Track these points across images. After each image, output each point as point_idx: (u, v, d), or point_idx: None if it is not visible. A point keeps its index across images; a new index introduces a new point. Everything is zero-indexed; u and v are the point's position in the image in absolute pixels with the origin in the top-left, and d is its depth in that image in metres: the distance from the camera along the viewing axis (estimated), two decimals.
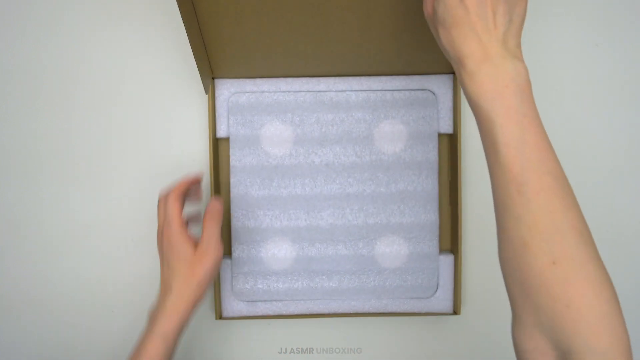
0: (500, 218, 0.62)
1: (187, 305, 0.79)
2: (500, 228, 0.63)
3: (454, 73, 0.93)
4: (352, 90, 0.93)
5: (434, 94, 0.93)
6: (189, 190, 0.85)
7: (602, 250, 0.65)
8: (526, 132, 0.60)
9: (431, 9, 0.67)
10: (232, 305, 0.95)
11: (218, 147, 0.95)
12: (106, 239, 0.97)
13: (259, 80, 0.93)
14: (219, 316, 0.94)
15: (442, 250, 0.96)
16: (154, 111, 0.96)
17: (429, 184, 0.93)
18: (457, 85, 0.92)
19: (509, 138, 0.59)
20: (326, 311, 0.95)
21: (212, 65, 0.92)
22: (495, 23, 0.63)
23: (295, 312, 0.95)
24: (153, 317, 0.80)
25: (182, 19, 0.82)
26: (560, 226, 0.59)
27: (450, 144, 0.95)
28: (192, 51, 0.84)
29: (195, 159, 0.96)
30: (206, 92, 0.90)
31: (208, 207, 0.82)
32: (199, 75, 0.95)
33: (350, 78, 0.94)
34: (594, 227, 0.92)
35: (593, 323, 0.56)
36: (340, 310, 0.95)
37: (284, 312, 0.95)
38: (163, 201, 0.82)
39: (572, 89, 0.97)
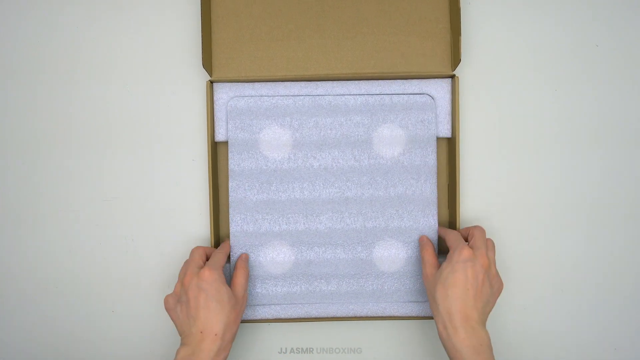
0: None
1: (228, 347, 0.85)
2: None
3: (452, 77, 0.93)
4: (350, 95, 0.93)
5: (432, 98, 0.93)
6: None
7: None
8: None
9: (431, 271, 0.88)
10: None
11: (217, 150, 0.95)
12: (106, 239, 0.97)
13: (257, 85, 0.93)
14: None
15: (440, 254, 0.96)
16: (153, 114, 0.96)
17: (427, 188, 0.93)
18: (455, 89, 0.92)
19: None
20: (325, 315, 0.95)
21: (212, 65, 0.92)
22: (480, 296, 0.83)
23: (294, 316, 0.95)
24: None
25: (202, 17, 0.88)
26: None
27: (448, 148, 0.95)
28: (202, 50, 0.87)
29: (194, 163, 0.96)
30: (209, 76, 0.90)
31: (240, 257, 0.93)
32: (197, 79, 0.95)
33: (349, 82, 0.93)
34: (596, 221, 0.92)
35: None
36: (339, 314, 0.95)
37: (283, 316, 0.95)
38: (202, 250, 0.90)
39: (572, 89, 0.96)
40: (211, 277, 0.84)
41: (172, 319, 0.86)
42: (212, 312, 0.82)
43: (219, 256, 0.89)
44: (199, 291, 0.83)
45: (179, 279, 0.86)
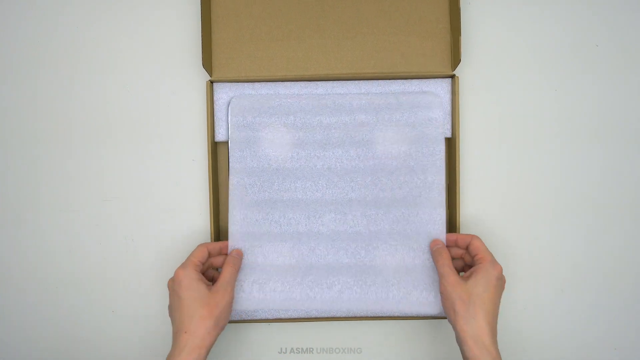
0: None
1: (203, 345, 0.81)
2: None
3: (452, 77, 0.93)
4: (354, 94, 0.93)
5: (438, 95, 0.93)
6: (220, 253, 0.92)
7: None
8: None
9: (456, 280, 0.84)
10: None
11: (217, 150, 0.95)
12: (106, 239, 0.97)
13: (257, 85, 0.93)
14: None
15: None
16: (153, 114, 0.96)
17: (434, 190, 0.91)
18: (455, 89, 0.92)
19: None
20: (325, 314, 0.94)
21: (212, 65, 0.92)
22: (497, 315, 0.83)
23: (294, 316, 0.94)
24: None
25: (202, 17, 0.89)
26: None
27: (448, 148, 0.95)
28: (202, 50, 0.87)
29: (194, 163, 0.96)
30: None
31: (230, 253, 0.91)
32: (197, 79, 0.95)
33: (349, 82, 0.93)
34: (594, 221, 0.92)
35: None
36: (339, 314, 0.94)
37: (283, 316, 0.94)
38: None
39: (572, 89, 0.96)
40: (180, 275, 0.83)
41: None
42: (181, 310, 0.81)
43: (194, 252, 0.87)
44: (172, 292, 0.84)
45: None
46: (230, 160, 0.93)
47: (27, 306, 0.98)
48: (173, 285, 0.84)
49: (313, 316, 0.94)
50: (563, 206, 0.97)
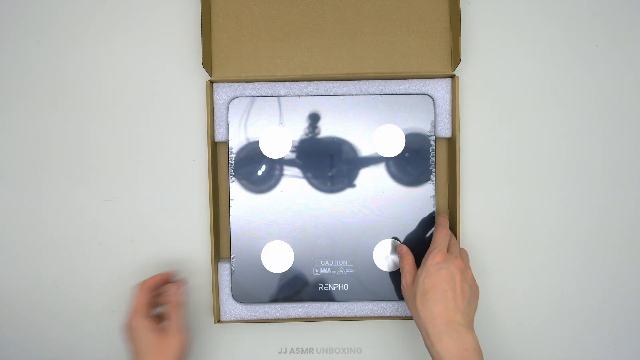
0: None
1: None
2: None
3: (452, 77, 0.93)
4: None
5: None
6: (163, 284, 0.92)
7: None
8: None
9: (411, 280, 0.86)
10: (231, 309, 0.95)
11: (217, 150, 0.95)
12: (106, 239, 0.97)
13: (257, 85, 0.93)
14: (217, 320, 0.94)
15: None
16: (153, 115, 0.96)
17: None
18: (455, 89, 0.92)
19: None
20: (325, 314, 0.95)
21: (212, 65, 0.92)
22: (461, 297, 0.81)
23: (294, 316, 0.95)
24: None
25: (202, 17, 0.89)
26: None
27: (448, 148, 0.95)
28: (202, 50, 0.88)
29: (194, 163, 0.96)
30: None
31: (169, 295, 0.89)
32: (197, 79, 0.95)
33: (349, 82, 0.94)
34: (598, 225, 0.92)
35: None
36: (339, 314, 0.95)
37: (283, 316, 0.95)
38: (140, 288, 0.89)
39: (573, 89, 0.96)
40: (128, 327, 0.85)
41: None
42: (137, 356, 0.83)
43: (136, 298, 0.87)
44: (126, 342, 0.86)
45: None
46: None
47: (26, 305, 0.98)
48: (125, 336, 0.85)
49: (313, 315, 0.95)
50: (564, 205, 0.97)
